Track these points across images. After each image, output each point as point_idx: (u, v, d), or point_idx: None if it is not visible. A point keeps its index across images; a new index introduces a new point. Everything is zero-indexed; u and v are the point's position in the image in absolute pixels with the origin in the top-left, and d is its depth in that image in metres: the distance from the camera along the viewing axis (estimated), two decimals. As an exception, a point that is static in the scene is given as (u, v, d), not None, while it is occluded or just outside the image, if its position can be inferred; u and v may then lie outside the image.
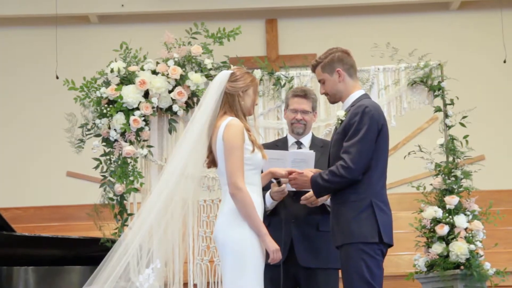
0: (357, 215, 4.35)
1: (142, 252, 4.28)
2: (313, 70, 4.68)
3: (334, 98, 4.65)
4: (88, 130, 5.90)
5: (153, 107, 5.83)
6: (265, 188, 4.72)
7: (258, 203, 4.24)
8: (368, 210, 4.36)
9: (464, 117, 5.92)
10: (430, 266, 5.76)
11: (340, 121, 4.53)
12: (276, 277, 4.79)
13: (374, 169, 4.41)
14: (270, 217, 4.98)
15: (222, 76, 4.36)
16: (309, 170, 4.60)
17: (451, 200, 5.77)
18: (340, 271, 4.85)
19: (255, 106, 4.45)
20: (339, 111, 4.58)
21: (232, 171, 4.16)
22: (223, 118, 4.27)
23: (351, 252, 4.33)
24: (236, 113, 4.30)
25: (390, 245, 4.43)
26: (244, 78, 4.35)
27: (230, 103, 4.31)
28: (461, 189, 5.85)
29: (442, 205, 5.81)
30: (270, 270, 4.50)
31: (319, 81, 4.65)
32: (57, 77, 9.39)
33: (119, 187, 5.70)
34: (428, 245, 5.80)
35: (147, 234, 4.27)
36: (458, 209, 5.78)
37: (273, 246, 4.18)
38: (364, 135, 4.35)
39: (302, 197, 4.83)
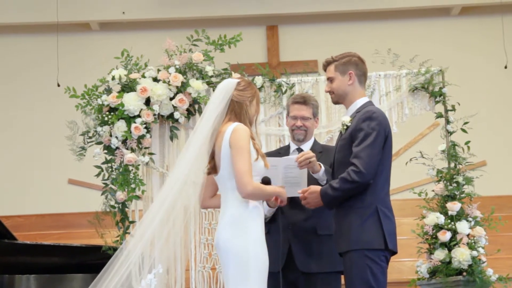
0: (362, 222, 4.34)
1: (144, 260, 4.27)
2: (326, 67, 4.68)
3: (337, 98, 4.65)
4: (90, 137, 5.90)
5: (154, 115, 5.83)
6: None
7: (259, 210, 4.24)
8: (374, 216, 4.35)
9: (465, 123, 5.92)
10: (433, 272, 5.75)
11: (345, 127, 4.53)
12: (276, 284, 4.77)
13: (379, 176, 4.41)
14: (269, 224, 4.98)
15: (229, 84, 4.36)
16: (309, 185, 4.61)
17: (453, 206, 5.76)
18: (341, 275, 4.85)
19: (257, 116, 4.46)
20: (345, 117, 4.58)
21: (243, 171, 4.15)
22: (228, 124, 4.26)
23: (356, 259, 4.32)
24: (242, 121, 4.30)
25: (395, 252, 4.42)
26: (249, 89, 4.37)
27: (236, 111, 4.31)
28: (463, 195, 5.84)
29: (444, 211, 5.81)
30: (270, 277, 4.49)
31: (328, 78, 4.66)
32: (58, 85, 9.41)
33: (121, 195, 5.69)
34: (430, 252, 5.80)
35: (149, 242, 4.27)
36: (460, 215, 5.77)
37: (276, 189, 4.35)
38: (374, 140, 4.36)
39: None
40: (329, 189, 4.42)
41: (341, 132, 4.61)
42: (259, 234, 4.20)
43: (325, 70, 4.70)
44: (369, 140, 4.36)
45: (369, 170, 4.32)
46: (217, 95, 4.36)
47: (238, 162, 4.17)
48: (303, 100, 5.16)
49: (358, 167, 4.31)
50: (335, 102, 4.73)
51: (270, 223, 4.99)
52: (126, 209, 5.79)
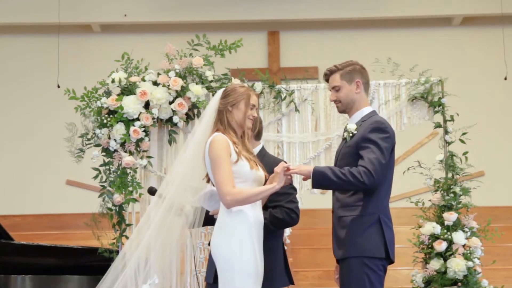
0: (364, 230, 4.34)
1: (139, 269, 4.28)
2: (329, 76, 4.63)
3: (345, 107, 4.61)
4: (88, 139, 5.91)
5: (153, 118, 5.84)
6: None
7: (245, 215, 4.23)
8: (376, 225, 4.35)
9: (463, 133, 5.92)
10: (428, 282, 5.75)
11: (351, 134, 4.51)
12: None
13: (383, 185, 4.41)
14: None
15: (217, 95, 4.40)
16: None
17: (450, 217, 5.77)
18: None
19: (249, 119, 4.41)
20: (350, 124, 4.53)
21: (221, 182, 4.17)
22: (212, 134, 4.29)
23: (355, 266, 4.32)
24: (224, 129, 4.31)
25: (392, 262, 4.43)
26: (234, 92, 4.35)
27: (221, 120, 4.33)
28: (459, 205, 5.85)
29: (440, 221, 5.81)
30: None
31: (334, 87, 4.60)
32: (58, 86, 9.42)
33: (118, 197, 5.70)
34: (426, 261, 5.80)
35: (145, 249, 4.28)
36: (457, 226, 5.78)
37: (273, 186, 4.24)
38: (385, 150, 4.37)
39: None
40: (329, 172, 4.33)
41: (345, 139, 4.58)
42: (244, 239, 4.19)
43: (327, 79, 4.65)
44: (380, 150, 4.35)
45: (378, 178, 4.31)
46: (209, 106, 4.42)
47: (215, 174, 4.20)
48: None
49: (370, 171, 4.28)
50: (342, 111, 4.67)
51: None
52: (123, 211, 5.79)
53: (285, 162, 4.43)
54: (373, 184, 4.31)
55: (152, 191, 4.88)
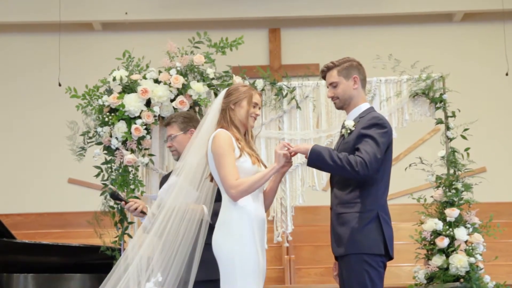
0: (363, 226, 4.34)
1: (142, 266, 4.29)
2: (326, 72, 4.64)
3: (343, 103, 4.62)
4: (90, 138, 5.91)
5: (154, 116, 5.84)
6: None
7: (253, 211, 4.23)
8: (375, 222, 4.36)
9: (465, 129, 5.93)
10: (430, 278, 5.76)
11: (349, 131, 4.51)
12: None
13: (381, 181, 4.42)
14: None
15: (220, 95, 4.45)
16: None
17: (452, 213, 5.77)
18: None
19: (252, 117, 4.43)
20: (348, 121, 4.55)
21: (224, 176, 4.18)
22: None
23: (355, 263, 4.33)
24: (227, 126, 4.32)
25: (391, 258, 4.43)
26: (236, 91, 4.39)
27: (225, 118, 4.36)
28: (461, 201, 5.85)
29: (442, 217, 5.82)
30: None
31: (331, 83, 4.61)
32: (60, 84, 9.42)
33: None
34: (428, 257, 5.80)
35: (148, 248, 4.29)
36: (459, 222, 5.78)
37: (273, 167, 4.26)
38: (382, 144, 4.36)
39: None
40: (326, 154, 4.33)
41: (343, 135, 4.58)
42: (246, 235, 4.19)
43: (324, 75, 4.66)
44: (377, 145, 4.34)
45: (372, 171, 4.31)
46: (212, 106, 4.46)
47: (218, 169, 4.22)
48: (167, 123, 5.04)
49: (366, 162, 4.28)
50: (340, 107, 4.68)
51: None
52: (125, 209, 5.79)
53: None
54: (366, 176, 4.31)
55: (114, 195, 4.88)
